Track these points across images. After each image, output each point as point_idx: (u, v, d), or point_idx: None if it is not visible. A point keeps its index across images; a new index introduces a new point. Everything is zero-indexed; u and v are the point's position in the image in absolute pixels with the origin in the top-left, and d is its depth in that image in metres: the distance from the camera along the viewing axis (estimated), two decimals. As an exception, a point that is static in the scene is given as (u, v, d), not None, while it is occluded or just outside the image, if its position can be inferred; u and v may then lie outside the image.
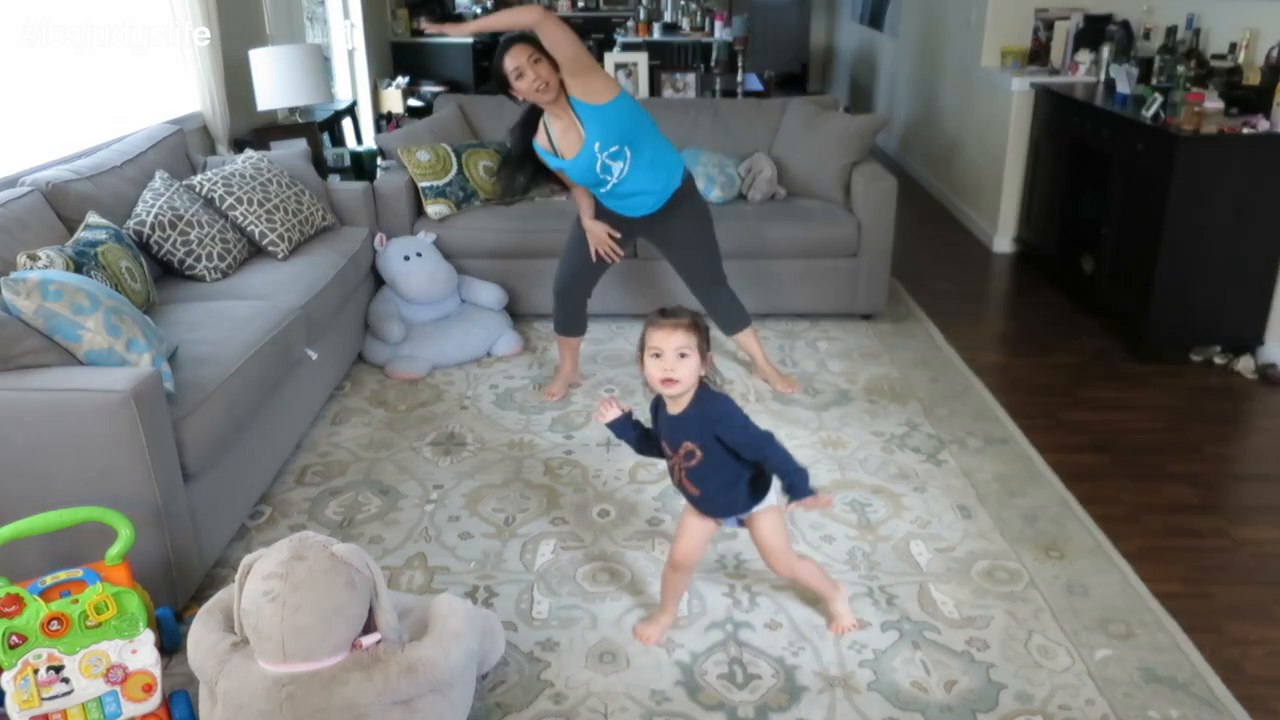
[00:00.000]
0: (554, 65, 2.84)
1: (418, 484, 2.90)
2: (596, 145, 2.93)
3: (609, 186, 3.06)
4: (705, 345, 1.98)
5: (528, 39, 2.83)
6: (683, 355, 1.94)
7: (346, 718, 1.70)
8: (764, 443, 2.00)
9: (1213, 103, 3.66)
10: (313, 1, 5.94)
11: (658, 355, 1.95)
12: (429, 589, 2.41)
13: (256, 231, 3.39)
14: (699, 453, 2.01)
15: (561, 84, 2.87)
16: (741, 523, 2.15)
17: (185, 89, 4.18)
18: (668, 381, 1.95)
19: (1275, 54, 3.54)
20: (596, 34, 8.18)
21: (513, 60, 2.82)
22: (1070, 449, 3.09)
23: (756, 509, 2.09)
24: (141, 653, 1.87)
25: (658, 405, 2.08)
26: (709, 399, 2.01)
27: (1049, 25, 5.03)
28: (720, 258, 3.33)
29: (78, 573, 1.95)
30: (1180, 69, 3.84)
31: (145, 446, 2.13)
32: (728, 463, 2.01)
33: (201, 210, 3.27)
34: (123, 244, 2.87)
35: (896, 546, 2.56)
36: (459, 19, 2.93)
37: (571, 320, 3.41)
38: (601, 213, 3.21)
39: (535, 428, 3.23)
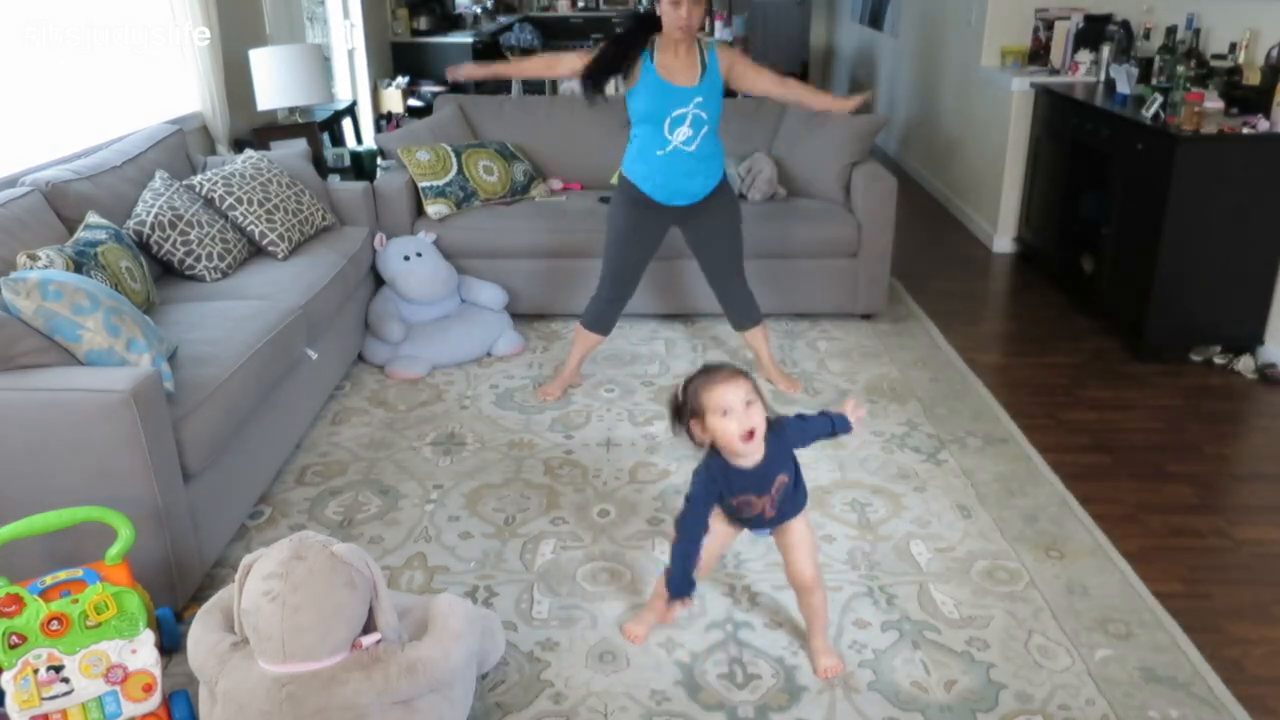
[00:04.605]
0: (704, 12, 3.02)
1: (418, 484, 2.90)
2: (699, 99, 3.04)
3: (668, 148, 3.06)
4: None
5: None
6: (749, 403, 1.89)
7: (346, 718, 1.70)
8: (813, 423, 2.05)
9: (1213, 103, 3.66)
10: (313, 1, 5.94)
11: (726, 413, 1.88)
12: (429, 589, 2.41)
13: (256, 231, 3.39)
14: (787, 478, 2.02)
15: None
16: (771, 531, 2.13)
17: (185, 89, 4.18)
18: (750, 435, 1.88)
19: (1275, 54, 3.54)
20: (596, 34, 8.18)
21: None
22: (1070, 449, 3.09)
23: (804, 508, 2.10)
24: (141, 653, 1.87)
25: (718, 471, 1.98)
26: (778, 428, 1.98)
27: (1049, 25, 5.03)
28: (743, 254, 3.35)
29: (78, 573, 1.95)
30: (1180, 69, 3.84)
31: (145, 446, 2.13)
32: (795, 471, 2.05)
33: (201, 210, 3.27)
34: (123, 244, 2.87)
35: (896, 546, 2.56)
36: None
37: (604, 317, 3.38)
38: (642, 205, 3.17)
39: (535, 428, 3.23)
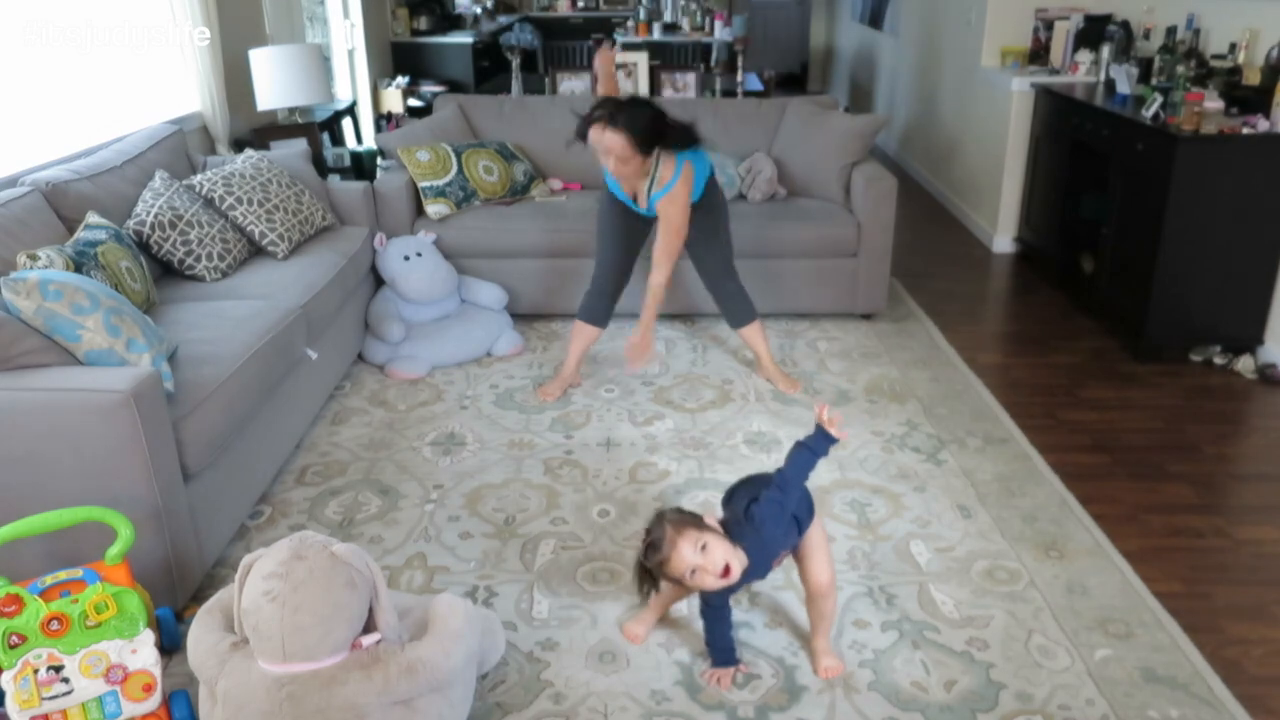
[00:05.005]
0: (640, 165, 2.99)
1: (418, 484, 2.90)
2: (644, 214, 3.21)
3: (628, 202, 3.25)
4: (699, 519, 1.95)
5: (623, 129, 2.89)
6: (704, 546, 1.88)
7: (347, 717, 1.70)
8: (792, 479, 1.99)
9: (1213, 103, 3.66)
10: (313, 1, 5.94)
11: (694, 571, 1.88)
12: (429, 589, 2.41)
13: (256, 231, 3.39)
14: (786, 551, 2.05)
15: (645, 165, 3.03)
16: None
17: (185, 89, 4.18)
18: (726, 572, 1.88)
19: (1275, 54, 3.54)
20: (597, 34, 8.18)
21: (602, 145, 2.94)
22: (1070, 449, 3.09)
23: (815, 517, 2.09)
24: (141, 653, 1.87)
25: (722, 588, 1.96)
26: (749, 531, 1.94)
27: (1049, 25, 5.03)
28: (732, 252, 3.39)
29: (78, 573, 1.95)
30: (1180, 69, 3.84)
31: (145, 446, 2.13)
32: (792, 523, 2.03)
33: (201, 210, 3.27)
34: (123, 244, 2.87)
35: (896, 546, 2.56)
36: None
37: (598, 309, 3.42)
38: (623, 210, 3.28)
39: (535, 428, 3.23)
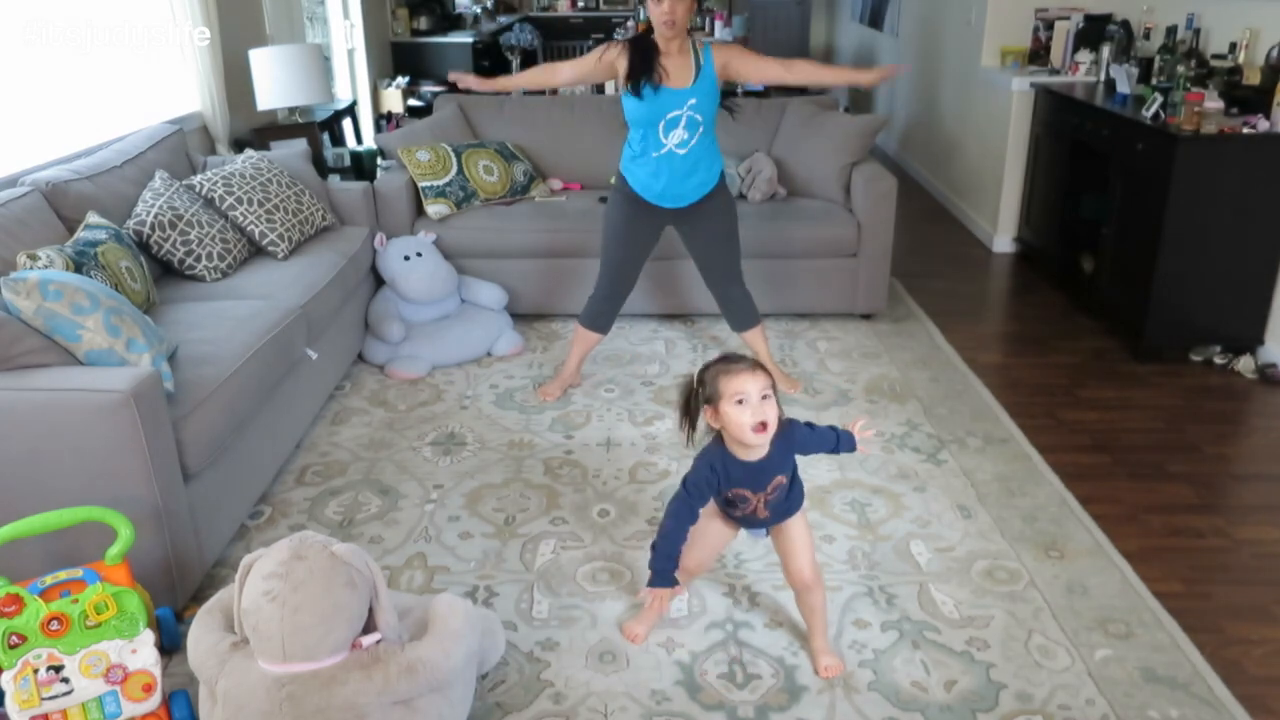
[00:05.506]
0: (690, 11, 2.96)
1: (418, 484, 2.90)
2: (693, 101, 3.01)
3: (662, 150, 3.06)
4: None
5: None
6: (765, 397, 1.89)
7: (347, 717, 1.70)
8: (820, 434, 2.06)
9: (1213, 103, 3.66)
10: (313, 1, 5.94)
11: (741, 401, 1.87)
12: (429, 589, 2.41)
13: (256, 231, 3.39)
14: (785, 480, 2.03)
15: (688, 30, 3.02)
16: (768, 531, 2.14)
17: (185, 89, 4.18)
18: (762, 427, 1.88)
19: (1275, 54, 3.54)
20: (597, 34, 8.18)
21: None
22: (1070, 449, 3.09)
23: (802, 507, 2.10)
24: (141, 653, 1.87)
25: (718, 460, 1.98)
26: (787, 431, 1.98)
27: (1049, 25, 5.03)
28: (740, 256, 3.35)
29: (78, 573, 1.95)
30: (1180, 69, 3.84)
31: (145, 446, 2.13)
32: (793, 474, 2.05)
33: (201, 210, 3.27)
34: (123, 244, 2.87)
35: (896, 546, 2.56)
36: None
37: (602, 315, 3.40)
38: (638, 204, 3.18)
39: (535, 427, 3.23)
